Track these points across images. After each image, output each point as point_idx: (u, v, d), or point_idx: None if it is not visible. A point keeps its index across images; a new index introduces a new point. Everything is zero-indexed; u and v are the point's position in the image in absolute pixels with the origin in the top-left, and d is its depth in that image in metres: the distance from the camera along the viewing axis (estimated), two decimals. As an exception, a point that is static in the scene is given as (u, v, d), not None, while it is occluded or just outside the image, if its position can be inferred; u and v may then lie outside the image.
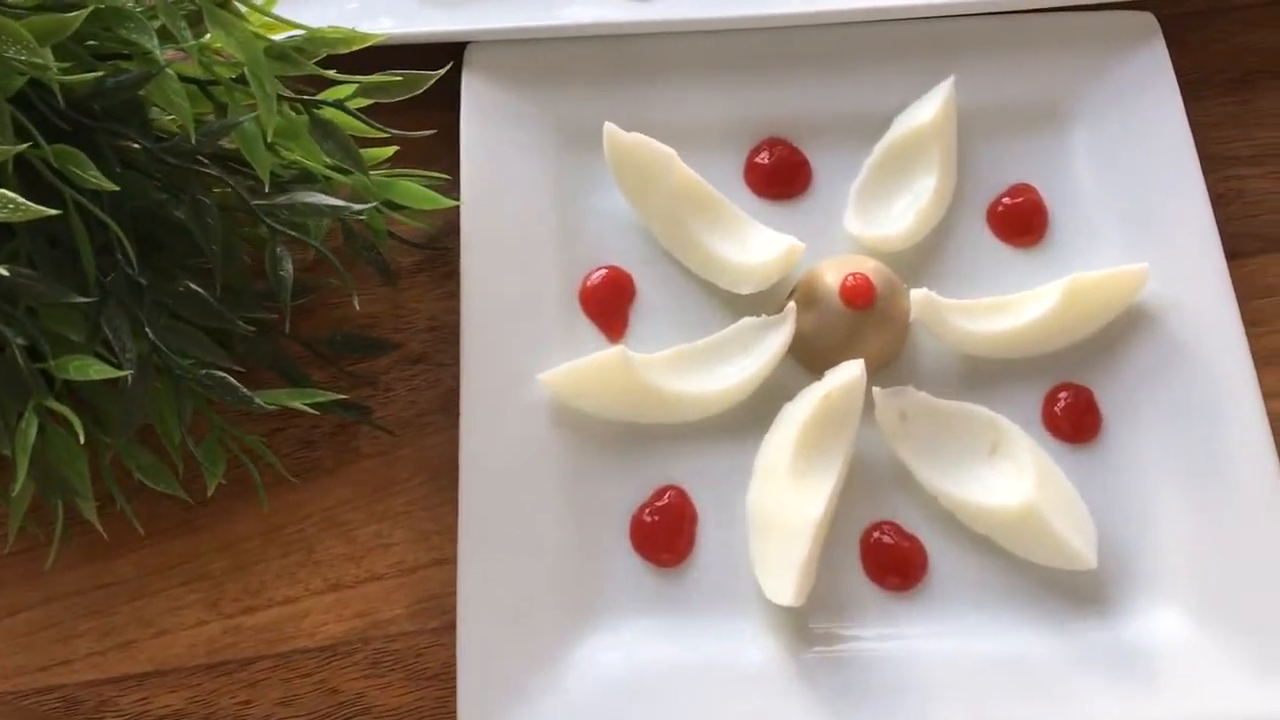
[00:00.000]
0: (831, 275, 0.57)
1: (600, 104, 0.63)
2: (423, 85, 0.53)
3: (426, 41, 0.62)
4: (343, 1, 0.66)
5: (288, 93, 0.52)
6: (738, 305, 0.59)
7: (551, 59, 0.63)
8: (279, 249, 0.50)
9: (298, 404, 0.52)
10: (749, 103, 0.64)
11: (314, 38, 0.52)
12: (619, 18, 0.63)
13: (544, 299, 0.59)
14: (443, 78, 0.53)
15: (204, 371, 0.49)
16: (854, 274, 0.57)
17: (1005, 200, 0.62)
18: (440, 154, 0.61)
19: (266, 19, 0.52)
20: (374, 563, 0.57)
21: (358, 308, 0.51)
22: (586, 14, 0.64)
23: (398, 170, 0.58)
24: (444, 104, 0.62)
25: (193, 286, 0.50)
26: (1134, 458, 0.56)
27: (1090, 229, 0.61)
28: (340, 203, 0.50)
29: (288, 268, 0.49)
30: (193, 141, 0.49)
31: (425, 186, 0.59)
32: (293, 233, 0.50)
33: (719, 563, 0.55)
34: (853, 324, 0.57)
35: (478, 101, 0.62)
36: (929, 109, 0.61)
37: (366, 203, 0.51)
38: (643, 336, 0.60)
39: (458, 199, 0.59)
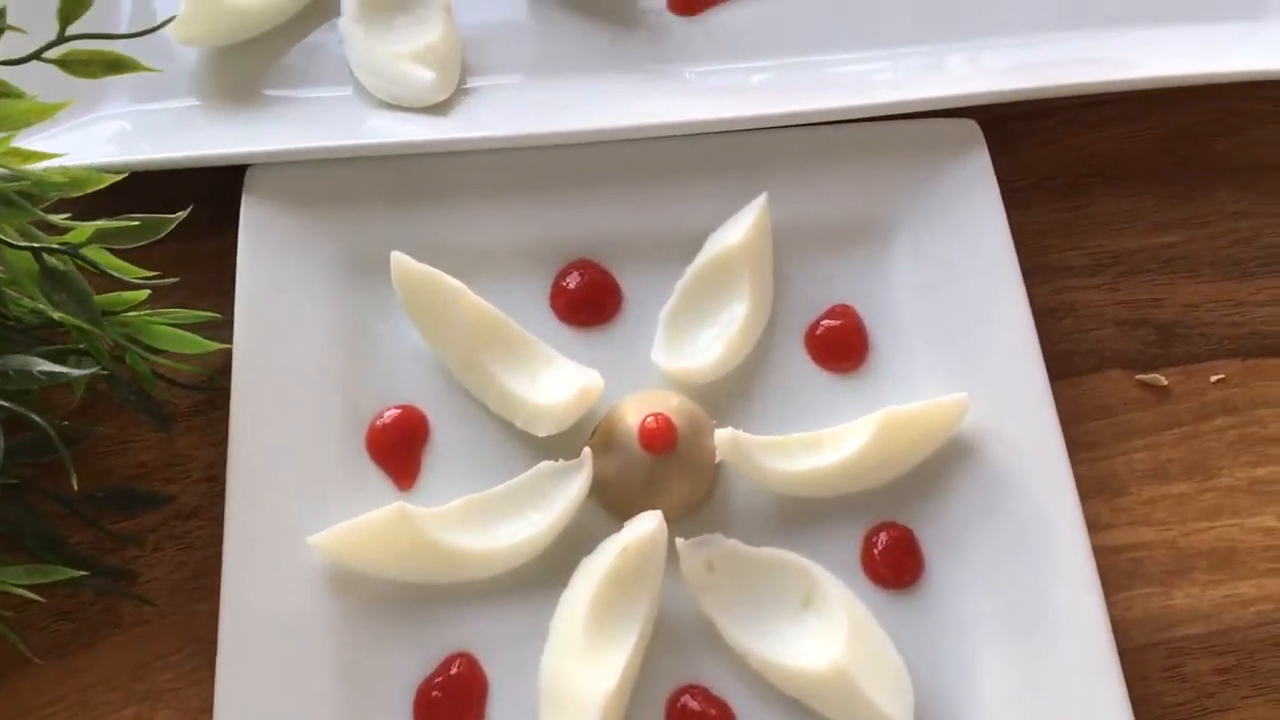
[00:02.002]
0: (632, 416, 0.53)
1: (394, 228, 0.59)
2: (164, 229, 0.49)
3: (195, 166, 0.57)
4: (122, 119, 0.61)
5: (16, 239, 0.47)
6: (539, 445, 0.55)
7: (341, 180, 0.59)
8: (-11, 422, 0.44)
9: (9, 586, 0.47)
10: (555, 223, 0.60)
11: (41, 181, 0.47)
12: (412, 136, 0.59)
13: (326, 445, 0.55)
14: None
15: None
16: (654, 415, 0.53)
17: (825, 323, 0.58)
18: (226, 279, 0.57)
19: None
20: (131, 750, 0.51)
21: (75, 486, 0.46)
22: (376, 132, 0.60)
23: (159, 311, 0.53)
24: (230, 222, 0.57)
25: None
26: (957, 604, 0.52)
27: (913, 352, 0.58)
28: (57, 369, 0.45)
29: (-1, 443, 0.44)
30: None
31: (196, 324, 0.54)
32: (7, 404, 0.44)
33: (511, 739, 0.50)
34: (653, 469, 0.53)
35: (259, 227, 0.57)
36: (739, 229, 0.58)
37: (89, 369, 0.46)
38: (436, 483, 0.55)
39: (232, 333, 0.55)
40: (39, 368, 0.44)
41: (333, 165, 0.59)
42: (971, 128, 0.60)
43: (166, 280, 0.51)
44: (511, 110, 0.61)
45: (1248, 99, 0.65)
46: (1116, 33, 0.64)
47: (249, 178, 0.58)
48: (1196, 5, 0.65)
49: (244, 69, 0.63)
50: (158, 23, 0.53)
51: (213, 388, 0.57)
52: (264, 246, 0.57)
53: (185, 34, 0.61)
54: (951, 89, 0.60)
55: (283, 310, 0.56)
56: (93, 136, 0.60)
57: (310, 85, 0.62)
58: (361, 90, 0.62)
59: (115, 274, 0.49)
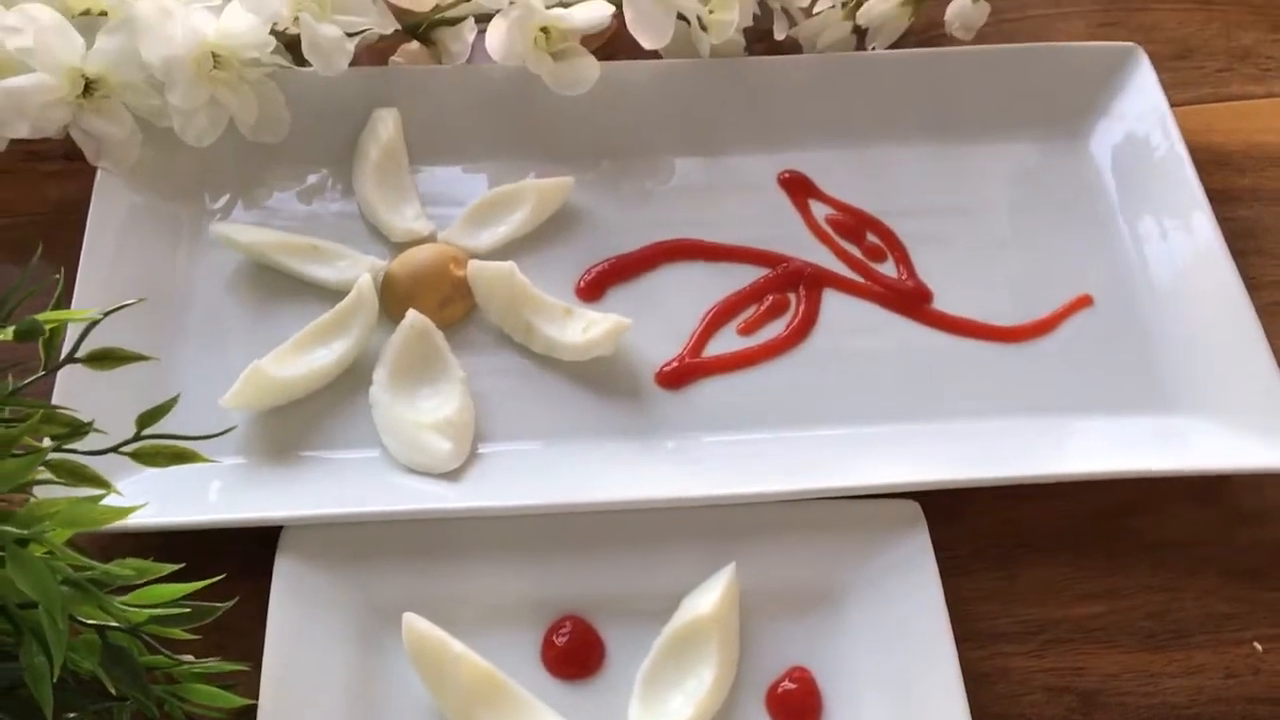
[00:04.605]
0: (609, 778, 0.60)
1: (407, 581, 0.67)
2: (212, 615, 0.57)
3: (237, 526, 0.66)
4: (172, 476, 0.69)
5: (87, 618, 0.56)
6: (526, 798, 0.62)
7: (363, 538, 0.67)
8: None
9: None
10: (548, 581, 0.68)
11: (110, 572, 0.56)
12: (428, 504, 0.68)
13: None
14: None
15: None
16: (627, 783, 0.60)
17: (784, 685, 0.66)
18: (253, 623, 0.64)
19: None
20: None
21: None
22: (396, 497, 0.68)
23: (198, 662, 0.61)
24: (264, 569, 0.66)
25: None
26: None
27: (860, 714, 0.65)
28: (113, 751, 0.52)
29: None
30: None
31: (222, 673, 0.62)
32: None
33: None
34: (625, 830, 0.59)
35: (289, 583, 0.65)
36: (709, 598, 0.65)
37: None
38: (432, 829, 0.62)
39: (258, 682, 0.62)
40: (97, 748, 0.52)
41: (357, 525, 0.68)
42: (914, 509, 0.69)
43: (208, 660, 0.59)
44: (516, 478, 0.70)
45: (1164, 479, 0.74)
46: (1045, 422, 0.74)
47: (283, 538, 0.67)
48: (1115, 400, 0.76)
49: (284, 430, 0.72)
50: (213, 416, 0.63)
51: (238, 729, 0.65)
52: (292, 602, 0.65)
53: (234, 402, 0.70)
54: (897, 476, 0.69)
55: (305, 659, 0.64)
56: (145, 492, 0.68)
57: (341, 447, 0.72)
58: (386, 454, 0.71)
59: (169, 656, 0.57)
